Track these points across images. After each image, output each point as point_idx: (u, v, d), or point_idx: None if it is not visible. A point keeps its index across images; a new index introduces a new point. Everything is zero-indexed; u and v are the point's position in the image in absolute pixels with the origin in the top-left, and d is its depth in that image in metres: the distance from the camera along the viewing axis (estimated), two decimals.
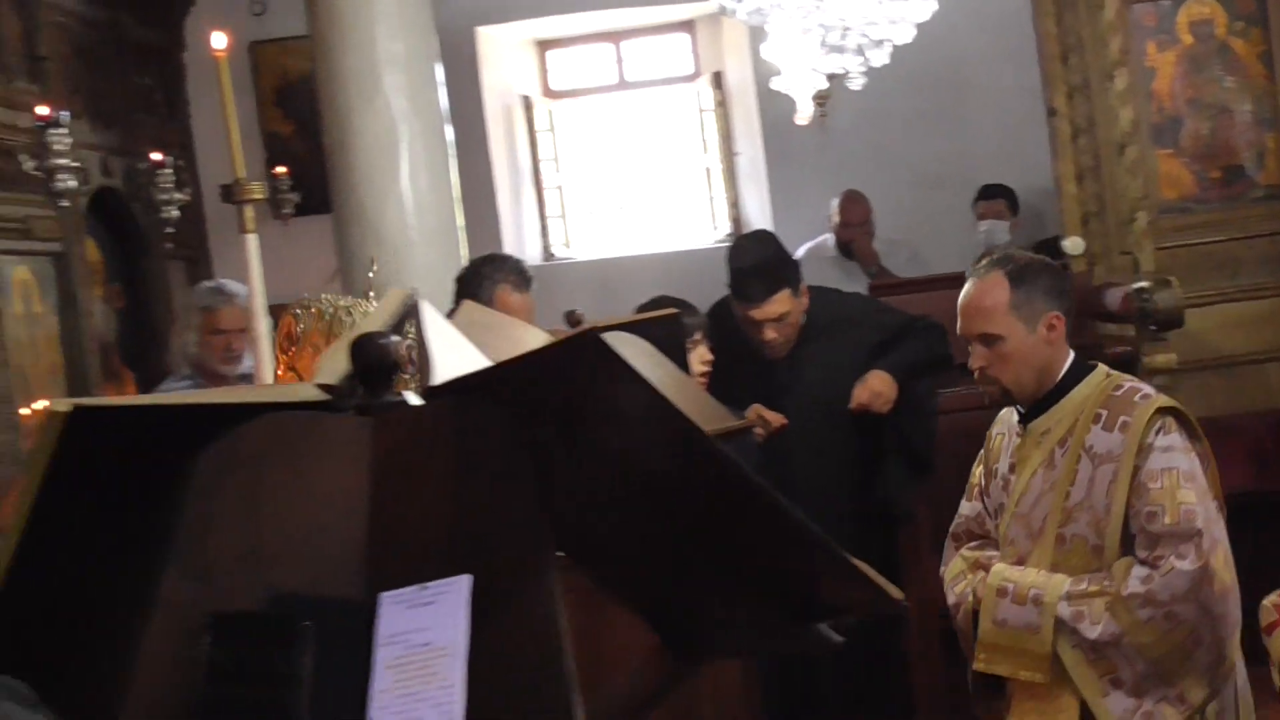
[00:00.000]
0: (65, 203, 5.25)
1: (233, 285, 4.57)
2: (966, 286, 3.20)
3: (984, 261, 3.34)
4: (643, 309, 4.73)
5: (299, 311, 2.91)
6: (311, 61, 6.10)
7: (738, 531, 1.60)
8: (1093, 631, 2.91)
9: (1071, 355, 3.31)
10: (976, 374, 3.16)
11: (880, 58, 5.73)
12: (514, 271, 4.33)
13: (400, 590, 1.50)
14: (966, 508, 3.29)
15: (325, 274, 7.09)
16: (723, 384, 3.92)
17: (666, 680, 1.86)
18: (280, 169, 7.27)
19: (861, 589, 1.63)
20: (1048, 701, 2.99)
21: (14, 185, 6.22)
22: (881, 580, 1.63)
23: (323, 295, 3.01)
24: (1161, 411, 3.11)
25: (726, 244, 6.79)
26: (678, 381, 2.01)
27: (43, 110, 5.14)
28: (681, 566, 1.70)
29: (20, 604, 1.53)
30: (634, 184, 8.99)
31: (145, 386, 7.49)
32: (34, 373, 6.39)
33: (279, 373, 2.98)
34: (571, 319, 4.46)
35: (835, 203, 7.38)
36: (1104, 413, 3.15)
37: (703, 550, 1.66)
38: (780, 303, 4.22)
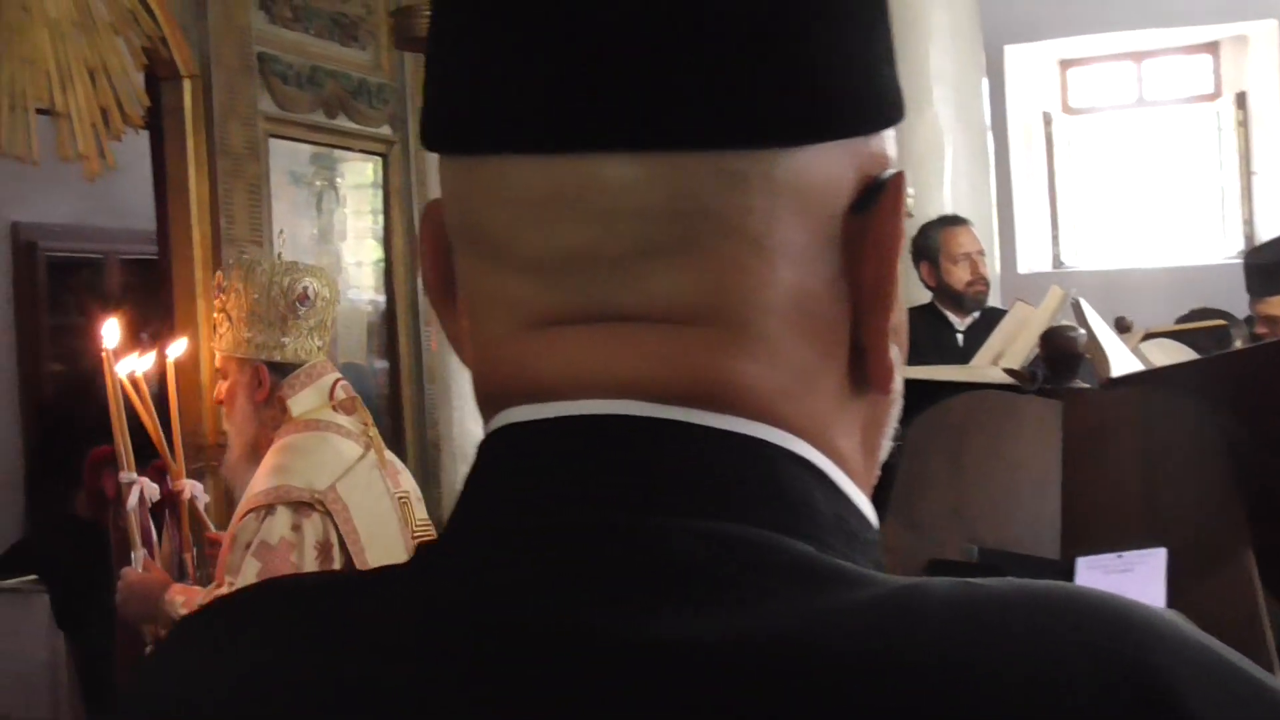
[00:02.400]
0: None
1: None
2: None
3: None
4: (1183, 320, 4.60)
5: (228, 265, 3.51)
6: None
7: None
8: None
9: None
10: None
11: None
12: (944, 219, 4.93)
13: (1097, 556, 1.57)
14: None
15: None
16: None
17: None
18: None
19: None
20: None
21: None
22: None
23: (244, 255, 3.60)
24: None
25: (1236, 261, 6.49)
26: None
27: None
28: None
29: None
30: (1144, 198, 8.70)
31: None
32: None
33: (214, 316, 3.47)
34: (1120, 324, 4.41)
35: None
36: None
37: None
38: (1276, 305, 4.01)
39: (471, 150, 0.65)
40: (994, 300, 4.72)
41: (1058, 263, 8.54)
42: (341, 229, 4.90)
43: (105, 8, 3.94)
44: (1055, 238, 8.58)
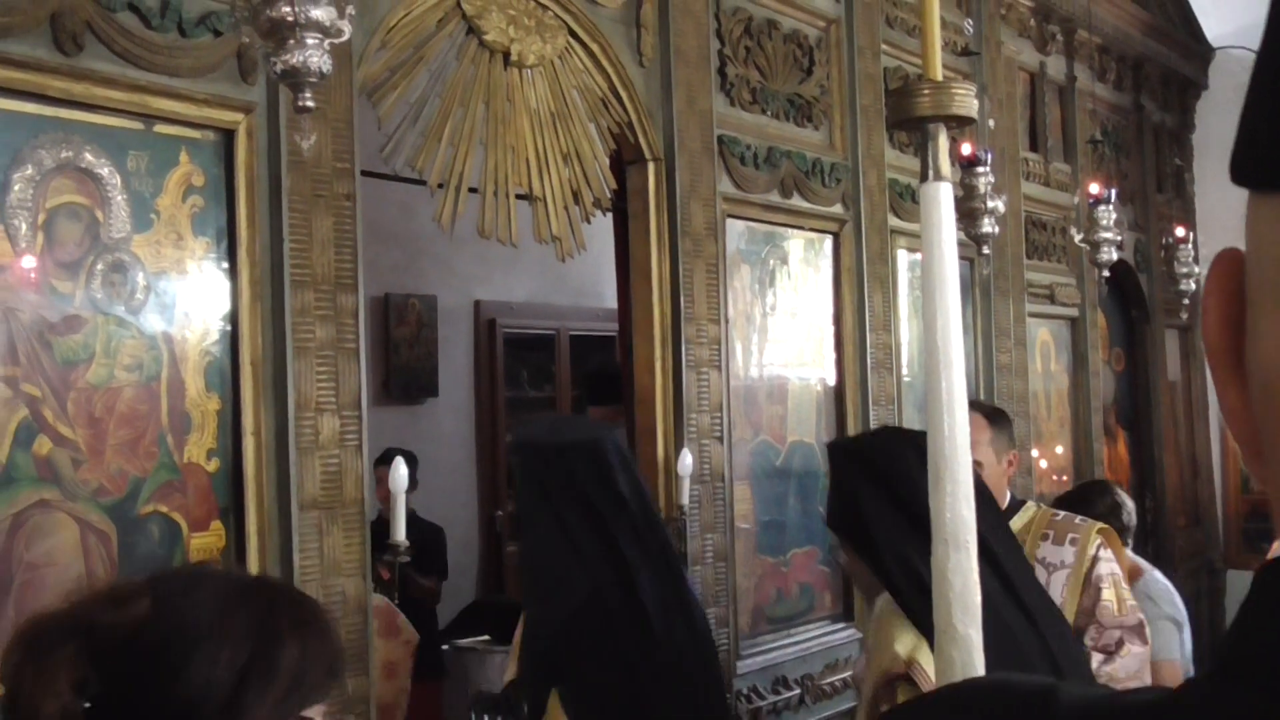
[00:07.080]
0: (1106, 273, 5.37)
1: None
2: None
3: None
4: None
5: None
6: None
7: None
8: None
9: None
10: None
11: None
12: None
13: None
14: None
15: None
16: None
17: None
18: None
19: None
20: None
21: (1045, 255, 6.50)
22: None
23: None
24: (1100, 531, 3.71)
25: None
26: None
27: (1094, 189, 5.30)
28: None
29: None
30: None
31: (1135, 446, 7.50)
32: (1045, 424, 6.62)
33: None
34: None
35: None
36: (1050, 533, 3.69)
37: None
38: None
39: None
40: None
41: None
42: (791, 306, 4.95)
43: (580, 96, 4.15)
44: None
